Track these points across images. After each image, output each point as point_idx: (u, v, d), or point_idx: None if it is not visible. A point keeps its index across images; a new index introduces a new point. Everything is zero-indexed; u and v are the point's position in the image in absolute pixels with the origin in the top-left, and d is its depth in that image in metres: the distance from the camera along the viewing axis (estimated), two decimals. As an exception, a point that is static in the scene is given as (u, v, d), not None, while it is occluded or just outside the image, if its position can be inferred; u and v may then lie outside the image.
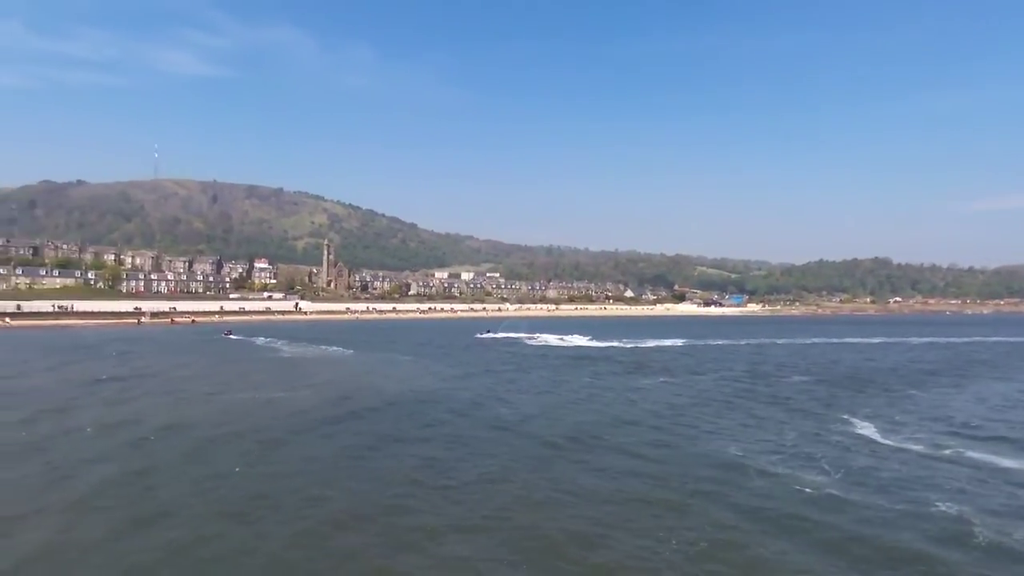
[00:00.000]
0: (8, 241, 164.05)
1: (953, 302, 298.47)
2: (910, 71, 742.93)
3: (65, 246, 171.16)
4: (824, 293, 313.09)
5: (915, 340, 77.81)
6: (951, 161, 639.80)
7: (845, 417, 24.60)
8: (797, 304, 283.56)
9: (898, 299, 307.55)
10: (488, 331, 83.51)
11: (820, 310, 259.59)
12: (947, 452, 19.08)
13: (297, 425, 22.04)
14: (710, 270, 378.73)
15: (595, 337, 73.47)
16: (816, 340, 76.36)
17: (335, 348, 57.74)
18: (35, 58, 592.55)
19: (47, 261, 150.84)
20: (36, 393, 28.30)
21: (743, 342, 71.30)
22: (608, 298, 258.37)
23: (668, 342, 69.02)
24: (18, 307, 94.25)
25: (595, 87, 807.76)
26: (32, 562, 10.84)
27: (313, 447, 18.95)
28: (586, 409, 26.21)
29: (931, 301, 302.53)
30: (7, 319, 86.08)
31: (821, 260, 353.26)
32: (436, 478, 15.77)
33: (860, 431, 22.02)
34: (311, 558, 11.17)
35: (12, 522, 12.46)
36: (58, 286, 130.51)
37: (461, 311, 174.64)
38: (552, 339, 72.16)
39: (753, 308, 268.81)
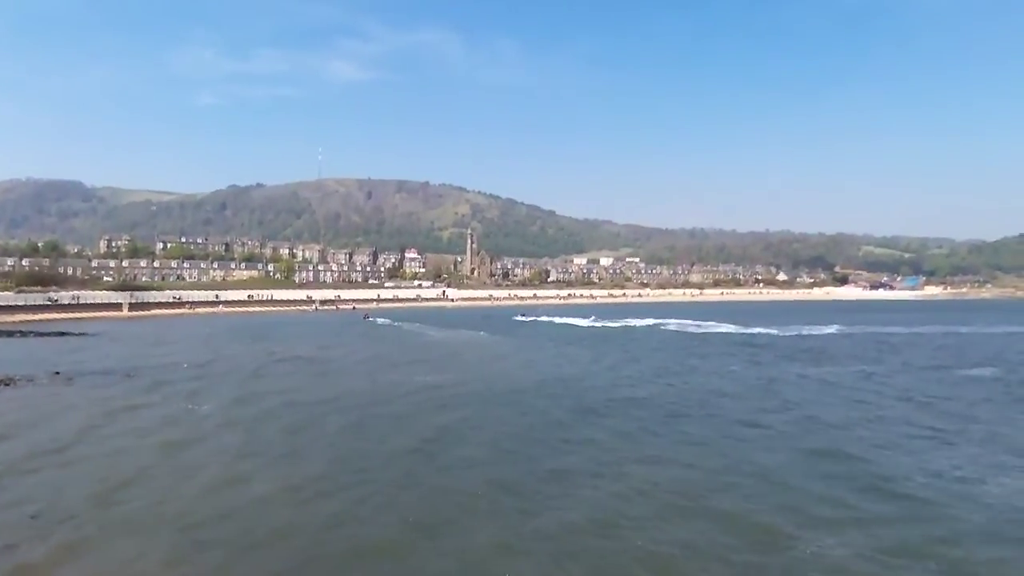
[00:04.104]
0: (206, 239, 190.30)
1: None
2: None
3: (249, 242, 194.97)
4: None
5: None
6: None
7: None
8: (988, 286, 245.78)
9: None
10: (523, 315, 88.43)
11: (1020, 293, 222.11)
12: None
13: (465, 402, 23.47)
14: (878, 249, 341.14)
15: (742, 324, 69.55)
16: (1016, 329, 65.92)
17: (481, 333, 60.22)
18: (223, 79, 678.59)
19: (236, 256, 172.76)
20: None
21: (915, 330, 63.48)
22: (758, 282, 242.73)
23: (830, 329, 63.40)
24: (216, 296, 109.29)
25: (740, 55, 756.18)
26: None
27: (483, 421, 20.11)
28: (732, 398, 25.04)
29: None
30: (221, 306, 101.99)
31: (1021, 235, 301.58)
32: (588, 455, 16.01)
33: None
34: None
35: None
36: (245, 277, 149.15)
37: (601, 297, 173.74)
38: (689, 324, 69.69)
39: (932, 291, 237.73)
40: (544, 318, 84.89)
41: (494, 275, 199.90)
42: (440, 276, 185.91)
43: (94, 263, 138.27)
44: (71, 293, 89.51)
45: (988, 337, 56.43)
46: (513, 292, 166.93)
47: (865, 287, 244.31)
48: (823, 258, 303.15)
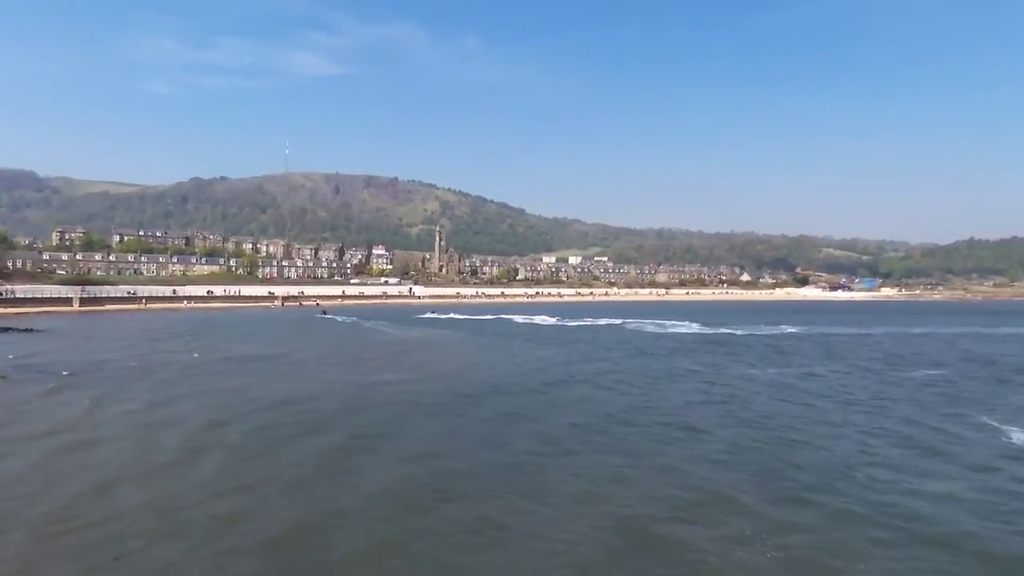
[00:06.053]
0: (165, 233, 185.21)
1: None
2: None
3: (211, 236, 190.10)
4: (974, 276, 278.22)
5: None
6: None
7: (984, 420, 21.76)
8: (940, 289, 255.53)
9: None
10: (432, 311, 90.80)
11: (969, 295, 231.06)
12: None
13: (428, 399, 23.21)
14: (837, 252, 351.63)
15: (707, 324, 70.60)
16: (961, 330, 68.33)
17: (446, 331, 59.84)
18: (184, 68, 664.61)
19: (197, 250, 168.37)
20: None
21: (872, 331, 65.29)
22: (722, 282, 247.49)
23: (790, 329, 64.75)
24: (174, 291, 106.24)
25: (705, 56, 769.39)
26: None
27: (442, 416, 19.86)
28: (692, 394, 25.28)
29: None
30: (185, 302, 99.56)
31: (971, 239, 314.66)
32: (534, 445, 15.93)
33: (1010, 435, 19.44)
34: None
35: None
36: (206, 272, 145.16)
37: (568, 296, 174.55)
38: (648, 325, 70.02)
39: (887, 293, 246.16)
40: (452, 315, 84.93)
41: (462, 273, 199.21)
42: (408, 273, 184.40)
43: (45, 256, 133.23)
44: (8, 287, 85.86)
45: (938, 338, 58.30)
46: (481, 290, 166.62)
47: (825, 288, 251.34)
48: (785, 260, 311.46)
